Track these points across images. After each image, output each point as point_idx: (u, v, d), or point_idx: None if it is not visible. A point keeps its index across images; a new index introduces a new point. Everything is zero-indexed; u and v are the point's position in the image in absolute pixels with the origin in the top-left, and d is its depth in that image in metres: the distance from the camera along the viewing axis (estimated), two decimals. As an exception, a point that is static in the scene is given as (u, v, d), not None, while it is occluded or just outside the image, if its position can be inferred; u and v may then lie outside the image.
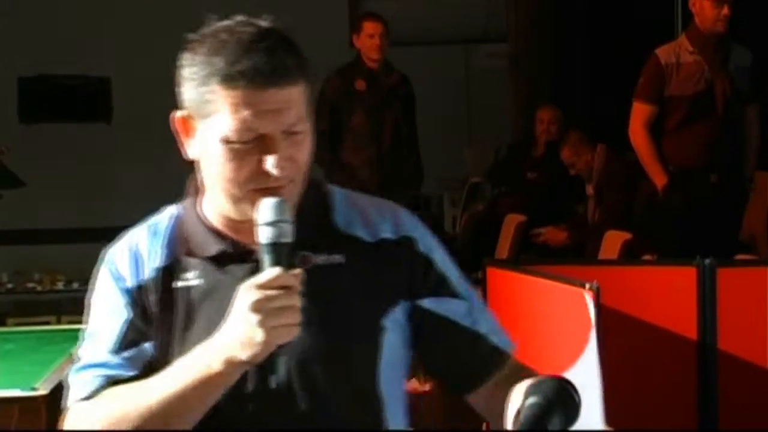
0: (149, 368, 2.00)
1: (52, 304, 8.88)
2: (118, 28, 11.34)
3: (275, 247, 1.89)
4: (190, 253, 2.06)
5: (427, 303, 2.09)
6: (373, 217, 2.11)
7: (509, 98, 10.92)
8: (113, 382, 1.99)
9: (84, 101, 11.56)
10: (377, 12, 8.11)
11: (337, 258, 2.05)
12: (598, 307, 3.91)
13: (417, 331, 2.10)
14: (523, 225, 8.75)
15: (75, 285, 9.09)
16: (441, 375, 2.20)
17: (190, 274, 2.04)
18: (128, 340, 2.02)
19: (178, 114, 2.15)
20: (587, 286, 3.94)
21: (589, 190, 8.41)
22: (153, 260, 2.07)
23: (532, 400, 1.82)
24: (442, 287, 2.10)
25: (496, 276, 4.80)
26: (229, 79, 1.96)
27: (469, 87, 11.79)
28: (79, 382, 2.02)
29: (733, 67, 6.37)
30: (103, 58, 11.31)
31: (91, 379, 2.00)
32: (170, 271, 2.06)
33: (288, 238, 1.90)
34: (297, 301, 1.85)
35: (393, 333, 2.07)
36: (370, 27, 7.69)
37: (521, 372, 2.09)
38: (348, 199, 2.15)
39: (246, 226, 1.97)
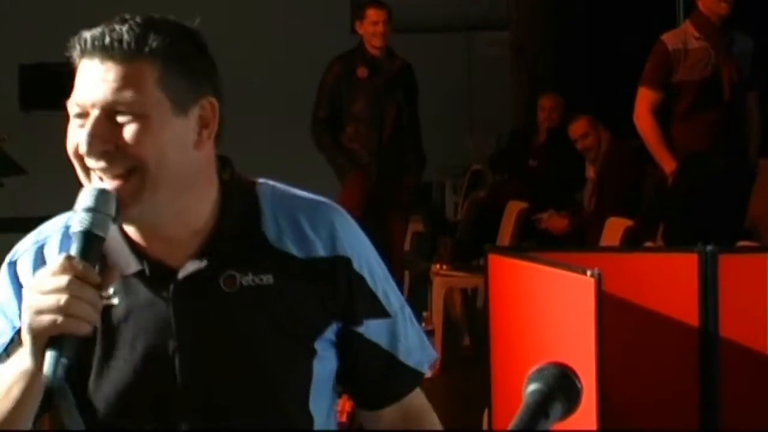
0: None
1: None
2: (118, 15, 11.33)
3: (86, 236, 1.77)
4: (110, 271, 1.84)
5: (352, 325, 1.98)
6: (307, 231, 1.94)
7: (511, 86, 10.92)
8: None
9: (85, 89, 11.58)
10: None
11: (265, 278, 1.90)
12: (600, 293, 3.92)
13: (338, 348, 2.00)
14: (525, 212, 8.75)
15: (76, 273, 9.12)
16: (352, 392, 2.11)
17: (109, 292, 1.81)
18: (14, 351, 1.87)
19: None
20: (588, 273, 3.94)
21: (590, 172, 8.41)
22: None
23: (533, 386, 1.82)
24: (370, 308, 1.98)
25: (498, 263, 4.80)
26: (80, 51, 1.89)
27: (470, 74, 11.79)
28: None
29: (736, 54, 6.37)
30: (103, 46, 11.32)
31: None
32: None
33: (102, 233, 1.78)
34: (91, 296, 1.72)
35: (324, 353, 1.97)
36: (373, 14, 7.68)
37: (417, 415, 2.05)
38: (280, 204, 1.97)
39: (161, 238, 1.89)
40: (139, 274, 1.89)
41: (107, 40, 1.85)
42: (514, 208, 8.85)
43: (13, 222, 11.14)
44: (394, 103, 7.70)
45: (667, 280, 4.59)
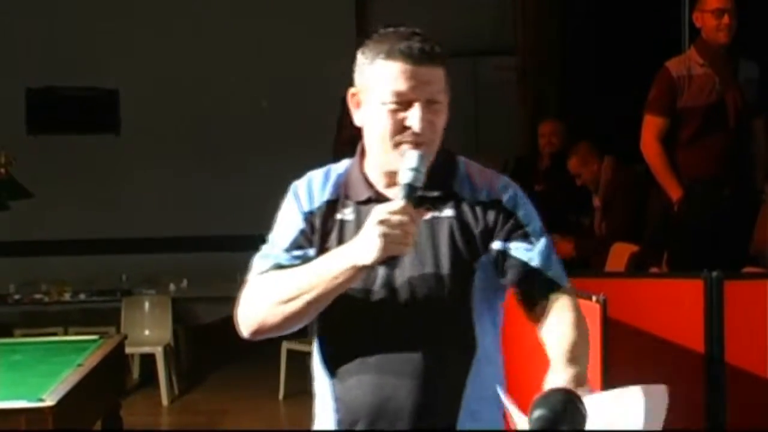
0: None
1: (59, 316, 8.90)
2: (126, 40, 11.36)
3: (409, 187, 2.50)
4: (348, 196, 2.73)
5: (503, 245, 2.68)
6: (477, 183, 2.74)
7: (517, 111, 10.93)
8: (279, 267, 2.68)
9: (92, 113, 11.57)
10: (392, 24, 8.05)
11: (448, 212, 2.69)
12: (605, 319, 3.91)
13: (497, 265, 2.69)
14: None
15: (82, 296, 9.11)
16: (516, 296, 2.72)
17: (346, 211, 2.71)
18: (297, 245, 2.70)
19: (351, 90, 2.71)
20: (594, 298, 3.94)
21: (596, 201, 8.40)
22: (323, 194, 2.74)
23: (539, 412, 1.82)
24: (518, 234, 2.69)
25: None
26: (390, 56, 2.60)
27: (477, 99, 11.79)
28: (258, 264, 2.72)
29: (741, 80, 6.37)
30: (111, 70, 11.33)
31: (265, 263, 2.71)
32: (334, 205, 2.72)
33: (419, 184, 2.52)
34: (412, 228, 2.45)
35: (481, 271, 2.67)
36: None
37: (566, 306, 2.69)
38: (466, 168, 2.78)
39: (389, 180, 2.64)
40: (366, 201, 2.69)
41: (422, 50, 2.61)
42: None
43: (20, 245, 11.16)
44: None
45: (673, 306, 4.58)
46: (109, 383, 5.97)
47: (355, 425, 2.67)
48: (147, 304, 8.81)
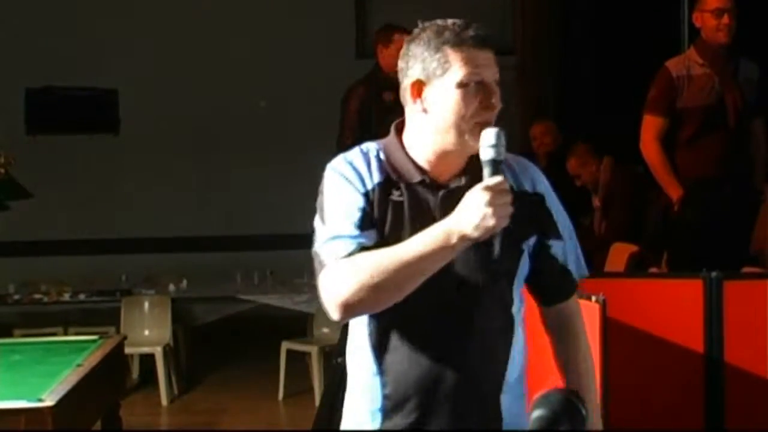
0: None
1: (58, 316, 8.89)
2: (125, 40, 11.36)
3: (494, 162, 2.58)
4: (400, 178, 2.77)
5: (544, 239, 2.85)
6: (518, 173, 2.86)
7: (517, 110, 10.92)
8: (363, 248, 2.67)
9: (91, 113, 11.57)
10: (392, 23, 8.00)
11: None
12: (605, 319, 3.91)
13: (533, 256, 2.85)
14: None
15: (81, 296, 9.10)
16: (534, 289, 2.92)
17: (398, 192, 2.76)
18: (367, 223, 2.72)
19: (412, 80, 2.80)
20: (594, 298, 3.94)
21: (596, 202, 8.41)
22: (373, 176, 2.77)
23: (538, 413, 1.82)
24: (552, 230, 2.87)
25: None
26: (460, 42, 2.74)
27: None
28: (335, 247, 2.68)
29: (741, 80, 6.36)
30: (110, 70, 11.33)
31: (347, 245, 2.68)
32: (386, 187, 2.76)
33: (502, 157, 2.60)
34: (509, 200, 2.54)
35: (525, 254, 2.82)
36: (401, 40, 7.59)
37: (580, 327, 2.94)
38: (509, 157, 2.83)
39: (441, 163, 2.77)
40: (420, 183, 2.76)
41: (485, 36, 2.77)
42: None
43: (19, 245, 11.16)
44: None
45: (673, 306, 4.58)
46: (109, 383, 5.97)
47: (405, 403, 2.74)
48: (146, 304, 8.81)
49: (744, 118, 6.33)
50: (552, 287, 2.92)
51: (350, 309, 2.66)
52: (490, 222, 2.52)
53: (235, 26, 11.47)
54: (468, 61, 2.73)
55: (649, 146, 6.32)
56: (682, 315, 4.54)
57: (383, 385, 2.75)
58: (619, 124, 7.43)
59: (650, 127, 6.33)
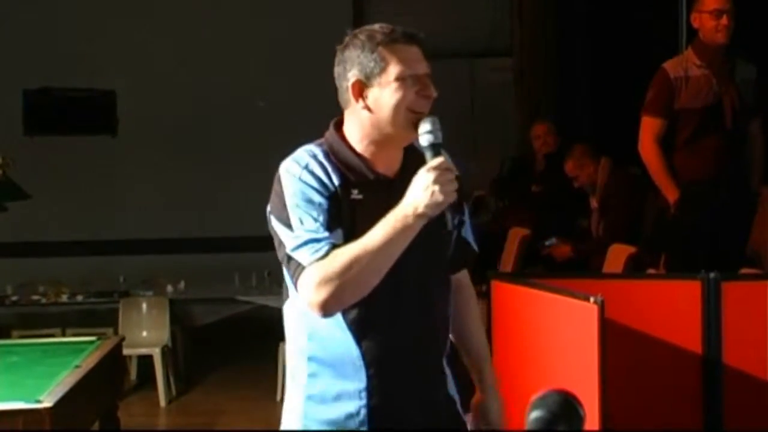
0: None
1: (56, 317, 8.89)
2: (123, 41, 11.36)
3: (434, 146, 2.84)
4: (355, 177, 2.95)
5: (461, 216, 3.13)
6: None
7: (514, 111, 10.93)
8: (334, 246, 2.85)
9: (89, 114, 11.56)
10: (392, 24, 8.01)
11: None
12: (603, 320, 3.91)
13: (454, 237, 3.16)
14: (528, 238, 8.75)
15: (79, 297, 9.10)
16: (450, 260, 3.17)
17: (356, 191, 2.93)
18: (334, 223, 2.88)
19: (351, 82, 2.99)
20: (591, 299, 3.94)
21: (593, 203, 8.40)
22: (333, 178, 2.94)
23: (536, 413, 1.82)
24: (462, 207, 3.11)
25: (501, 289, 4.80)
26: (392, 42, 2.93)
27: (474, 101, 11.80)
28: (309, 250, 2.86)
29: (738, 82, 6.36)
30: (107, 71, 11.33)
31: (321, 246, 2.85)
32: (346, 186, 2.93)
33: (440, 141, 2.86)
34: (453, 176, 2.79)
35: (447, 237, 3.09)
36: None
37: (467, 283, 3.35)
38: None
39: (384, 156, 2.99)
40: (373, 180, 2.95)
41: (413, 33, 2.95)
42: (517, 235, 8.85)
43: (17, 246, 11.16)
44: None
45: (671, 307, 4.58)
46: (107, 384, 5.97)
47: (387, 377, 2.97)
48: (144, 306, 8.81)
49: (741, 120, 6.33)
50: (459, 257, 3.21)
51: (336, 304, 2.86)
52: (440, 198, 2.77)
53: (234, 26, 11.47)
54: (402, 57, 2.94)
55: (648, 148, 6.32)
56: (680, 316, 4.54)
57: (366, 366, 2.98)
58: (617, 126, 7.43)
59: (649, 128, 6.32)
